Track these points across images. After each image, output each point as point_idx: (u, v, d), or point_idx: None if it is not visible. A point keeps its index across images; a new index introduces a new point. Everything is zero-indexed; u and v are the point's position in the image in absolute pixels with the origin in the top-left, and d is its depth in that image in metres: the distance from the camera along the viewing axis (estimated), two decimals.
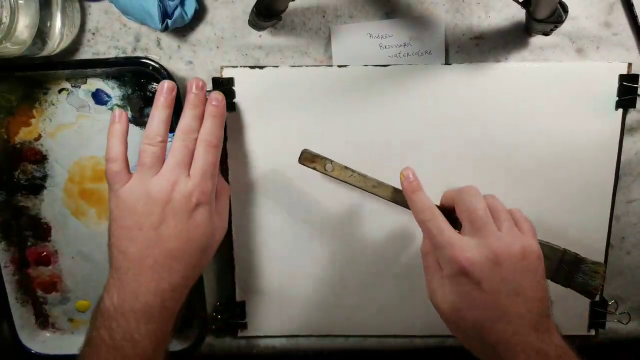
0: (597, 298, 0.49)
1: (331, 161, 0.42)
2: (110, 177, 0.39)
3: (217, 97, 0.41)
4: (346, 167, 0.42)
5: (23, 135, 0.47)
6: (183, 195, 0.38)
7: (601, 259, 0.48)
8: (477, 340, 0.35)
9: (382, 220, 0.47)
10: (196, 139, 0.39)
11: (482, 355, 0.35)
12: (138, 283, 0.37)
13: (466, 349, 0.37)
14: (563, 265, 0.38)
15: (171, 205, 0.37)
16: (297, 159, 0.42)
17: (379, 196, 0.42)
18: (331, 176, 0.42)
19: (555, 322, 0.35)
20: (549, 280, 0.38)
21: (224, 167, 0.47)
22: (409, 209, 0.39)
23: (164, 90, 0.39)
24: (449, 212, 0.39)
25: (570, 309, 0.49)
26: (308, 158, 0.42)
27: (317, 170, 0.42)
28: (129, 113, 0.47)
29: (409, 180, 0.39)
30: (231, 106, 0.45)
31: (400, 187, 0.40)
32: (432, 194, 0.46)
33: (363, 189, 0.42)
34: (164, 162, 0.39)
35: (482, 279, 0.34)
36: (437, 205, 0.38)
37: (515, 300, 0.34)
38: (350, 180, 0.42)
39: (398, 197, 0.41)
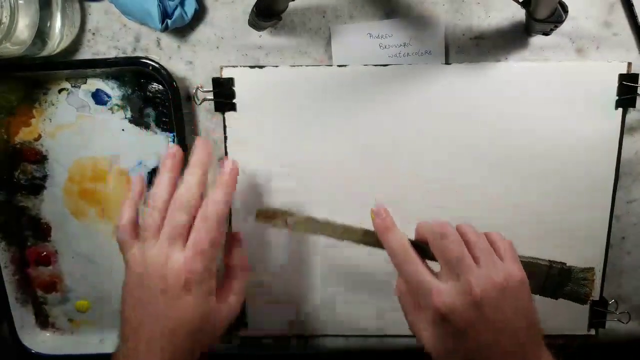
0: (597, 298, 0.49)
1: (291, 214, 0.40)
2: (119, 243, 0.38)
3: (232, 166, 0.38)
4: (309, 218, 0.40)
5: (23, 135, 0.47)
6: (174, 271, 0.35)
7: (601, 259, 0.48)
8: None
9: None
10: (198, 206, 0.36)
11: None
12: (136, 353, 0.35)
13: None
14: (550, 279, 0.37)
15: (164, 281, 0.35)
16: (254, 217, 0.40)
17: (351, 241, 0.39)
18: (294, 230, 0.39)
19: (546, 350, 0.34)
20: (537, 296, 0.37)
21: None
22: (382, 249, 0.37)
23: (169, 154, 0.39)
24: (424, 246, 0.36)
25: (570, 309, 0.48)
26: (265, 215, 0.40)
27: (279, 227, 0.40)
28: (129, 113, 0.47)
29: (381, 217, 0.37)
30: (231, 106, 0.45)
31: (371, 227, 0.38)
32: (433, 193, 0.46)
33: (332, 237, 0.40)
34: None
35: (464, 325, 0.33)
36: (411, 241, 0.37)
37: (498, 339, 0.33)
38: (316, 232, 0.39)
39: (370, 239, 0.39)
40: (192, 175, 0.37)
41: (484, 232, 0.37)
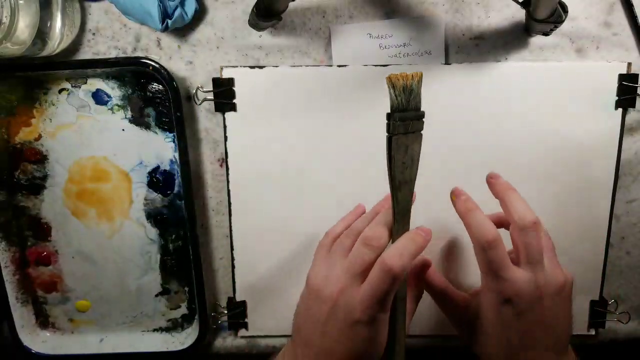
0: (597, 298, 0.49)
1: None
2: (318, 246, 0.40)
3: (428, 230, 0.36)
4: None
5: (23, 135, 0.47)
6: (347, 304, 0.35)
7: (601, 259, 0.48)
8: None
9: None
10: (379, 252, 0.35)
11: None
12: None
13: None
14: None
15: (336, 308, 0.35)
16: None
17: None
18: None
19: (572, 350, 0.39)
20: None
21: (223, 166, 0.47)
22: None
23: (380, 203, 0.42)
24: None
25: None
26: None
27: None
28: (129, 113, 0.47)
29: (462, 199, 0.38)
30: (231, 106, 0.45)
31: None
32: (432, 193, 0.46)
33: None
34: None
35: (523, 312, 0.36)
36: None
37: (547, 333, 0.36)
38: None
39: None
40: (384, 216, 0.37)
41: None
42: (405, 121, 0.33)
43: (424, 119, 0.35)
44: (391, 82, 0.33)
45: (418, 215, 0.47)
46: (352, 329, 0.34)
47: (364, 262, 0.35)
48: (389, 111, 0.33)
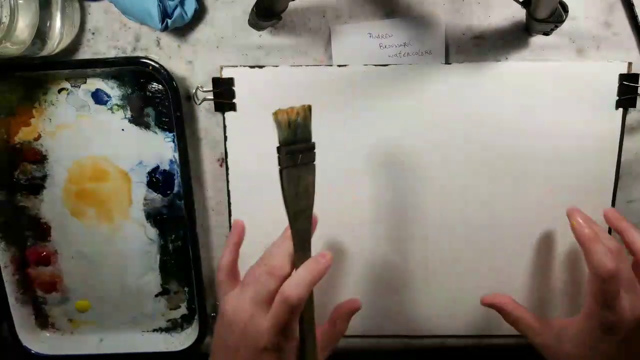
0: None
1: None
2: (217, 285, 0.41)
3: (327, 262, 0.37)
4: None
5: (23, 135, 0.47)
6: (255, 332, 0.36)
7: None
8: None
9: (378, 222, 0.47)
10: (282, 281, 0.36)
11: None
12: None
13: None
14: None
15: (245, 336, 0.36)
16: None
17: None
18: None
19: None
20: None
21: (224, 166, 0.47)
22: None
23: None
24: None
25: (570, 309, 0.49)
26: None
27: None
28: (128, 113, 0.47)
29: (583, 228, 0.39)
30: (231, 106, 0.45)
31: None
32: (433, 193, 0.46)
33: None
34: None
35: (625, 339, 0.37)
36: None
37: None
38: None
39: None
40: (288, 244, 0.38)
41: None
42: (293, 154, 0.34)
43: (314, 150, 0.35)
44: (277, 118, 0.34)
45: (416, 215, 0.47)
46: (261, 356, 0.36)
47: (268, 291, 0.36)
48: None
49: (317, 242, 0.48)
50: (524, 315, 0.43)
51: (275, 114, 0.34)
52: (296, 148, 0.35)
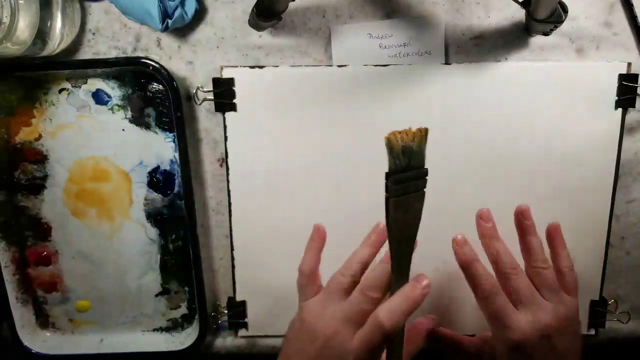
0: (597, 298, 0.49)
1: None
2: (298, 289, 0.40)
3: (425, 282, 0.35)
4: None
5: (23, 135, 0.47)
6: (339, 348, 0.35)
7: (601, 259, 0.48)
8: None
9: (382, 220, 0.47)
10: (378, 303, 0.35)
11: None
12: None
13: None
14: None
15: (327, 349, 0.35)
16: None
17: None
18: None
19: None
20: None
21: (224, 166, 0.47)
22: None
23: (375, 231, 0.40)
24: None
25: None
26: None
27: None
28: (129, 113, 0.47)
29: (463, 249, 0.39)
30: (231, 106, 0.45)
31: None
32: (432, 193, 0.46)
33: None
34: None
35: (534, 354, 0.36)
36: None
37: None
38: None
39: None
40: (385, 265, 0.37)
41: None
42: (404, 182, 0.31)
43: (427, 177, 0.32)
44: (389, 143, 0.31)
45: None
46: None
47: (360, 311, 0.35)
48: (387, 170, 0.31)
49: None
50: (452, 337, 0.43)
51: (389, 138, 0.30)
52: (407, 176, 0.31)
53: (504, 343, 0.37)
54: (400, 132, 0.31)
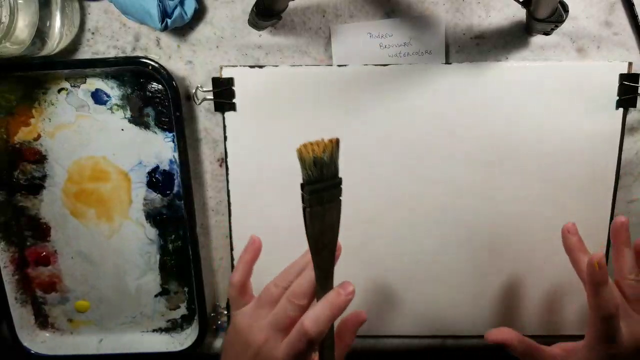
0: None
1: None
2: (229, 300, 0.41)
3: (349, 295, 0.35)
4: None
5: (22, 135, 0.47)
6: (268, 356, 0.35)
7: None
8: None
9: (381, 221, 0.47)
10: (304, 310, 0.35)
11: None
12: None
13: None
14: None
15: (258, 356, 0.36)
16: None
17: None
18: None
19: None
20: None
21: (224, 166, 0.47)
22: None
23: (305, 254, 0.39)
24: None
25: (570, 309, 0.49)
26: None
27: None
28: (128, 113, 0.46)
29: (594, 269, 0.37)
30: (231, 106, 0.45)
31: None
32: (432, 193, 0.46)
33: None
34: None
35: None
36: None
37: None
38: None
39: None
40: (311, 271, 0.37)
41: None
42: (318, 192, 0.32)
43: (341, 186, 0.33)
44: (301, 156, 0.31)
45: (415, 215, 0.47)
46: None
47: (287, 318, 0.35)
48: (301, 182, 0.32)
49: None
50: (530, 346, 0.42)
51: (299, 150, 0.31)
52: (321, 186, 0.32)
53: (603, 355, 0.37)
54: (311, 144, 0.31)
